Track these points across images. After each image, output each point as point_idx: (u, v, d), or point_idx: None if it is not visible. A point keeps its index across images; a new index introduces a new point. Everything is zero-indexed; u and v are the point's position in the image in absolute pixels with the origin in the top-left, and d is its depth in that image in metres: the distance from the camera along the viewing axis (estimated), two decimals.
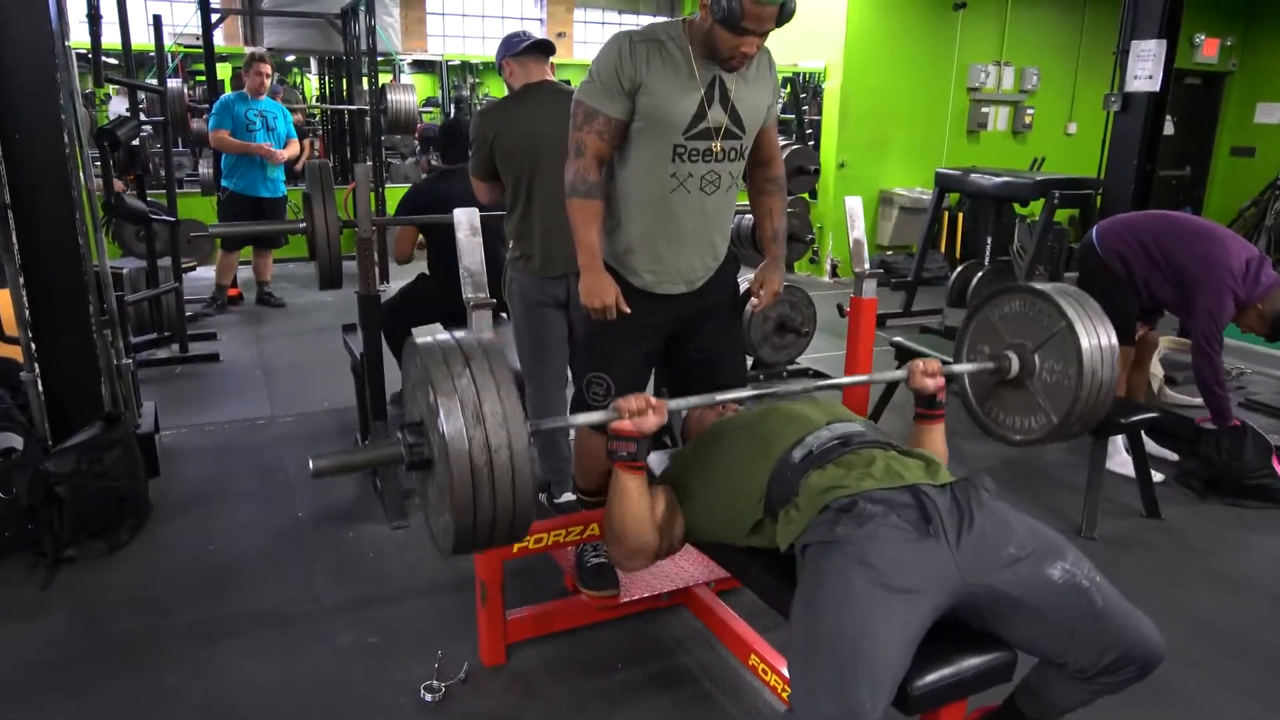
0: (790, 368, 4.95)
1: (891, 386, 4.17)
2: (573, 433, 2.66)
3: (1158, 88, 4.70)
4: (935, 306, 6.28)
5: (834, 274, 8.01)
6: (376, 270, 3.21)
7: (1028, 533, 1.63)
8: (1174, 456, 3.78)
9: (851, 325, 2.66)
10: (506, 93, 2.92)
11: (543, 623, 2.46)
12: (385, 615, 2.61)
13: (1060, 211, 5.23)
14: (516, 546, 2.36)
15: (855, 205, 2.65)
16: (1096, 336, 2.04)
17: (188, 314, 5.62)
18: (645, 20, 10.15)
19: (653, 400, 1.80)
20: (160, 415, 3.79)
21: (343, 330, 3.82)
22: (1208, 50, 8.94)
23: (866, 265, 2.62)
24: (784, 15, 1.90)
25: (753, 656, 2.23)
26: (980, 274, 5.68)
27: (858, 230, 2.62)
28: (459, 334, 1.58)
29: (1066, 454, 3.98)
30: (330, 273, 2.96)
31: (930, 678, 1.54)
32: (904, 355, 4.17)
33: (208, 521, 3.15)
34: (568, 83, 2.92)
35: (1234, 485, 3.44)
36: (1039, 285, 2.15)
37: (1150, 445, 3.53)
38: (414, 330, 1.59)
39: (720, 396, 1.96)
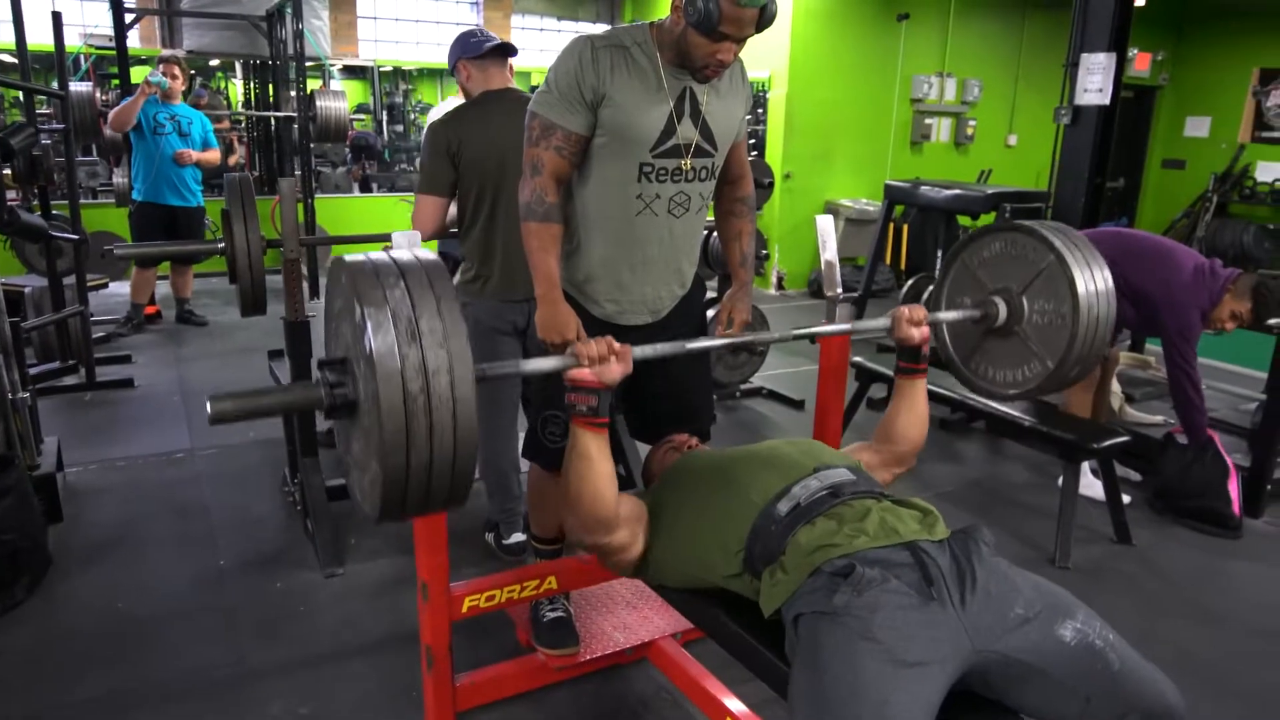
0: (744, 387, 4.81)
1: (851, 409, 4.04)
2: (525, 468, 2.43)
3: (1108, 101, 4.66)
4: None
5: (780, 286, 7.91)
6: (305, 293, 2.95)
7: (1033, 590, 1.49)
8: (1137, 476, 3.72)
9: (824, 351, 2.49)
10: (460, 96, 2.70)
11: (496, 687, 2.24)
12: (319, 680, 2.36)
13: None
14: (466, 605, 2.13)
15: (827, 224, 2.48)
16: (1089, 269, 1.89)
17: (100, 335, 5.26)
18: (585, 27, 9.96)
19: (616, 345, 1.61)
20: (65, 450, 3.47)
21: (269, 357, 3.53)
22: (1140, 65, 9.11)
23: (840, 289, 2.45)
24: (764, 19, 1.71)
25: (728, 719, 2.04)
26: (931, 287, 5.60)
27: (830, 251, 2.45)
28: (394, 251, 1.36)
29: (1032, 475, 3.89)
30: (252, 298, 2.69)
31: None
32: (864, 375, 4.05)
33: (117, 573, 2.84)
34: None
35: (1177, 505, 3.41)
36: (1021, 221, 1.99)
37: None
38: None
39: (691, 345, 1.78)
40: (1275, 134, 8.91)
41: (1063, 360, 1.90)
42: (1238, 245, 8.66)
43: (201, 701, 2.26)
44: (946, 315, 2.02)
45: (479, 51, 2.59)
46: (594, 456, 1.64)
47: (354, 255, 1.34)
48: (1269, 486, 3.49)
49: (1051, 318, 1.91)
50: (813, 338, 2.05)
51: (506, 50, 2.62)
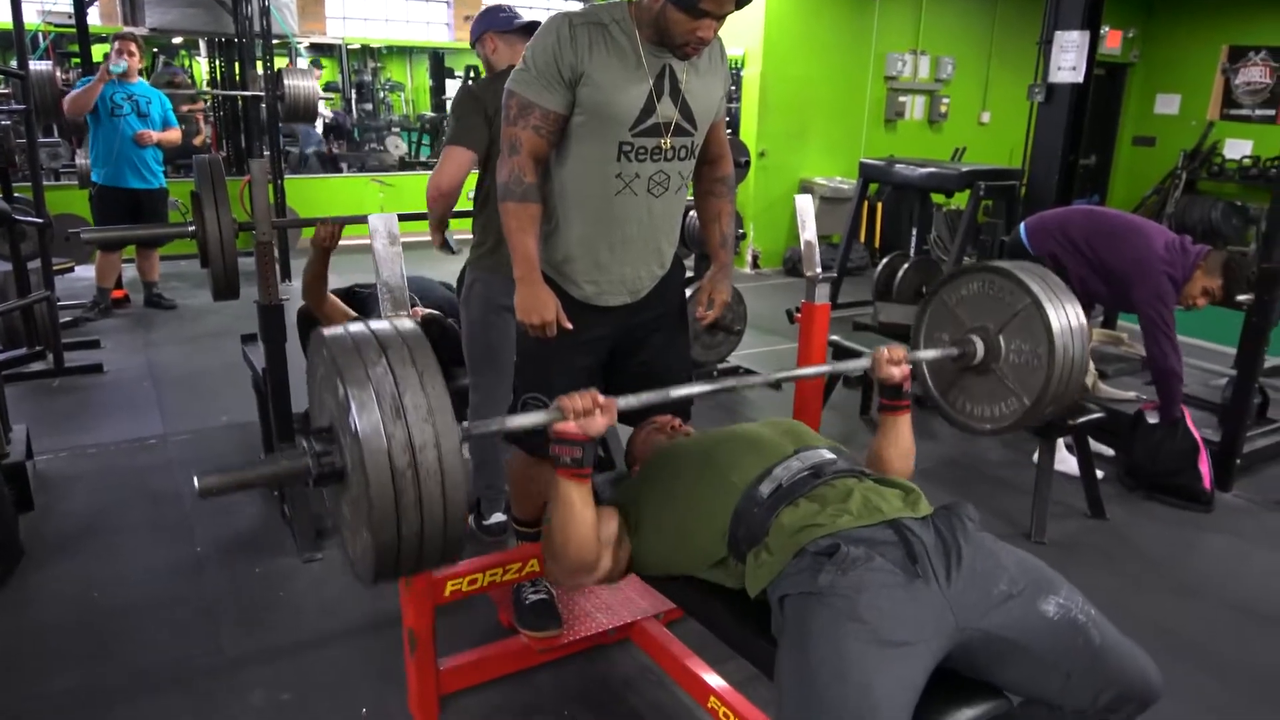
0: (721, 366, 4.80)
1: (830, 385, 4.05)
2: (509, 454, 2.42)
3: (1081, 79, 4.68)
4: (859, 299, 6.22)
5: (755, 265, 7.91)
6: (278, 275, 2.90)
7: (1017, 566, 1.51)
8: (1110, 451, 3.76)
9: (803, 332, 2.50)
10: (485, 70, 2.72)
11: (479, 669, 2.24)
12: (301, 666, 2.34)
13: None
14: (449, 589, 2.13)
15: (806, 204, 2.48)
16: (1064, 312, 1.93)
17: (67, 320, 5.16)
18: (558, 4, 9.86)
19: (600, 399, 1.60)
20: (34, 438, 3.40)
21: (242, 341, 3.47)
22: (1111, 42, 9.13)
23: (819, 269, 2.46)
24: None
25: (712, 699, 2.05)
26: (906, 265, 5.62)
27: (809, 231, 2.45)
28: (373, 322, 1.36)
29: (1007, 452, 3.93)
30: (225, 282, 2.64)
31: None
32: (842, 355, 4.05)
33: (91, 563, 2.80)
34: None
35: (1150, 481, 3.46)
36: (998, 263, 2.03)
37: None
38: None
39: (675, 392, 1.77)
40: (1244, 111, 9.00)
41: (1039, 399, 1.94)
42: (1206, 221, 8.77)
43: (181, 691, 2.24)
44: (925, 354, 2.05)
45: (509, 26, 2.59)
46: (578, 507, 1.64)
47: (333, 329, 1.34)
48: (1239, 460, 3.55)
49: (1028, 358, 1.95)
50: (793, 380, 2.05)
51: (534, 28, 2.61)
